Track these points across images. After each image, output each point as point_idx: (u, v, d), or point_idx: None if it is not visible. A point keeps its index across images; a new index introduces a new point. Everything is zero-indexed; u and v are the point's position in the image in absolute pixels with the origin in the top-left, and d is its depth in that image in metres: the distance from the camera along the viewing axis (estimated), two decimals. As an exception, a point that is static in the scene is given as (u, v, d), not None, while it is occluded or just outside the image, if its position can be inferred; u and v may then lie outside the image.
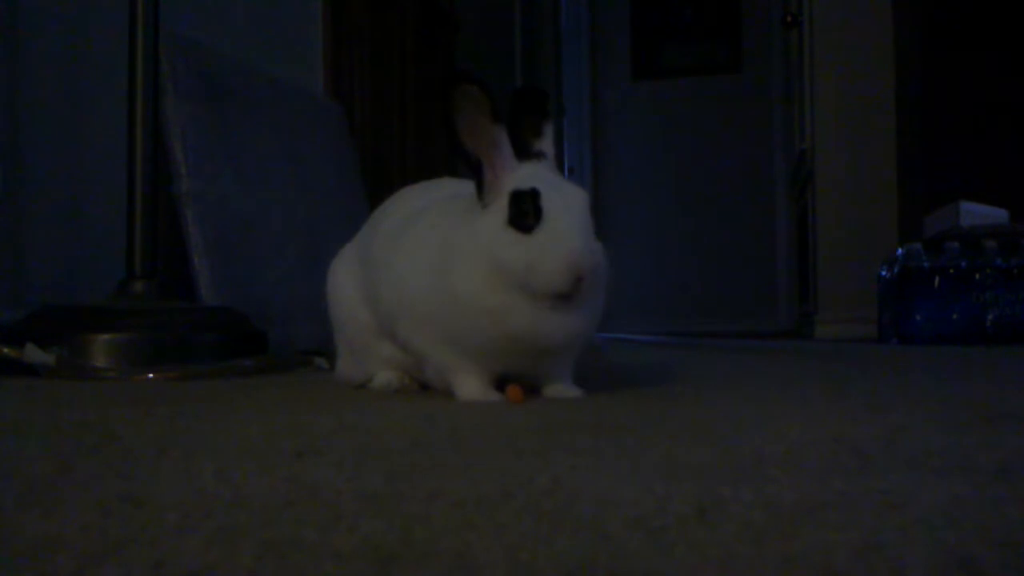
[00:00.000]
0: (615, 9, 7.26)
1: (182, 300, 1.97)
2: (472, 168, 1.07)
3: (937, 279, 3.14)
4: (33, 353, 1.55)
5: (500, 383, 1.11)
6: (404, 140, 3.69)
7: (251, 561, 0.39)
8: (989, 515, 0.46)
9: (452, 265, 1.05)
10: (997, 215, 3.28)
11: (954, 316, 3.11)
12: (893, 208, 4.12)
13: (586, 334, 1.10)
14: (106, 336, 1.63)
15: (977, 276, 3.09)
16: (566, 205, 1.02)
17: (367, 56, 3.41)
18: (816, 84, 4.30)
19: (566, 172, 6.20)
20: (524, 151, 1.09)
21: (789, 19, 4.71)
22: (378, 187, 3.08)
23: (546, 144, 1.11)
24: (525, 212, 1.00)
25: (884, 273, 3.38)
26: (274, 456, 0.65)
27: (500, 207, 1.03)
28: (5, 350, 1.55)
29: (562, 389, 1.14)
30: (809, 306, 4.58)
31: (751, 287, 6.88)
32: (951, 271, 3.12)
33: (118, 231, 1.83)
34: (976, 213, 3.21)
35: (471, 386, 1.10)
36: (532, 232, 1.00)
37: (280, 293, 2.36)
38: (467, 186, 1.12)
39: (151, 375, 1.54)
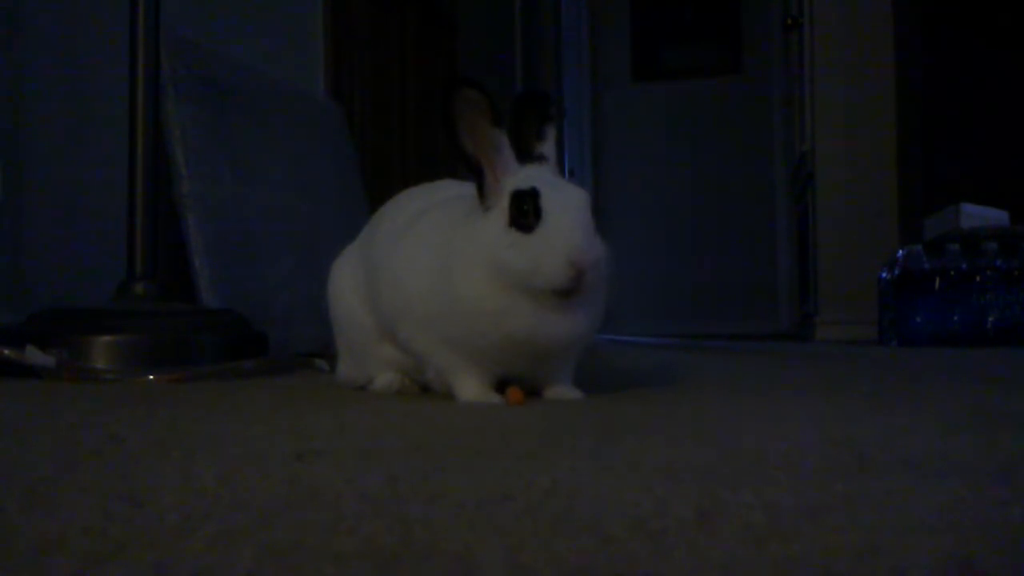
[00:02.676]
0: (615, 11, 7.26)
1: (182, 302, 1.97)
2: (473, 171, 1.07)
3: (937, 281, 3.14)
4: (34, 355, 1.55)
5: (500, 385, 1.11)
6: (404, 141, 3.69)
7: (251, 563, 0.39)
8: (990, 517, 0.46)
9: (453, 267, 1.05)
10: (998, 217, 3.28)
11: (954, 318, 3.11)
12: (893, 210, 4.12)
13: (587, 335, 1.10)
14: (107, 338, 1.63)
15: (977, 278, 3.10)
16: (566, 204, 1.02)
17: (367, 57, 3.41)
18: (816, 86, 4.30)
19: (566, 174, 6.20)
20: (526, 154, 1.09)
21: (789, 21, 4.71)
22: (378, 187, 3.08)
23: (548, 147, 1.12)
24: (525, 212, 1.01)
25: (884, 275, 3.38)
26: (275, 458, 0.65)
27: (501, 209, 1.03)
28: (6, 352, 1.55)
29: (562, 391, 1.14)
30: (809, 308, 4.58)
31: (751, 289, 6.88)
32: (951, 273, 3.13)
33: (118, 233, 1.83)
34: (976, 215, 3.21)
35: (471, 388, 1.10)
36: (532, 231, 1.00)
37: (280, 295, 2.36)
38: (468, 188, 1.12)
39: (151, 377, 1.54)
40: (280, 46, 2.98)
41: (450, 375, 1.12)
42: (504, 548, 0.41)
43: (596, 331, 1.12)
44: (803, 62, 4.54)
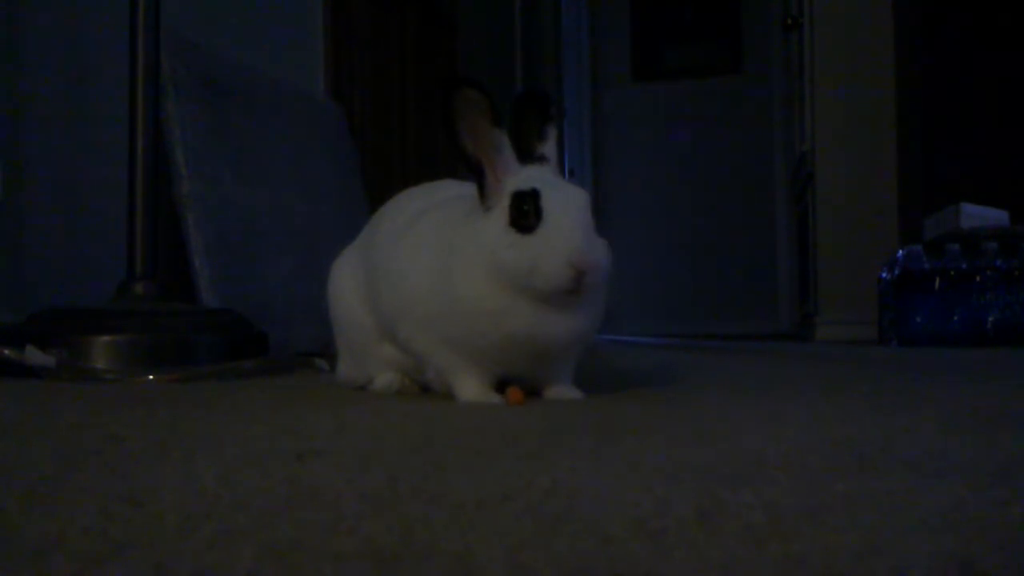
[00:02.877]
0: (615, 11, 7.26)
1: (182, 302, 1.97)
2: (473, 171, 1.07)
3: (937, 281, 3.14)
4: (34, 355, 1.55)
5: (500, 385, 1.11)
6: (404, 140, 3.69)
7: (251, 563, 0.39)
8: (990, 517, 0.46)
9: (453, 267, 1.05)
10: (997, 217, 3.28)
11: (954, 318, 3.11)
12: (893, 210, 4.12)
13: (587, 335, 1.10)
14: (106, 338, 1.63)
15: (977, 278, 3.10)
16: (566, 204, 1.02)
17: (367, 57, 3.41)
18: (816, 86, 4.30)
19: (567, 174, 6.20)
20: (526, 154, 1.09)
21: (789, 21, 4.71)
22: (378, 187, 3.08)
23: (548, 147, 1.12)
24: (526, 212, 1.01)
25: (884, 275, 3.38)
26: (275, 458, 0.65)
27: (502, 209, 1.03)
28: (6, 352, 1.55)
29: (562, 391, 1.14)
30: (809, 308, 4.58)
31: (751, 289, 6.88)
32: (951, 273, 3.13)
33: (118, 233, 1.84)
34: (976, 215, 3.21)
35: (471, 388, 1.10)
36: (533, 232, 1.00)
37: (280, 294, 2.36)
38: (469, 188, 1.12)
39: (151, 377, 1.54)
40: (280, 46, 2.98)
41: (450, 375, 1.12)
42: (504, 548, 0.41)
43: (596, 331, 1.12)
44: (803, 62, 4.54)
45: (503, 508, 0.48)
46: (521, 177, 1.05)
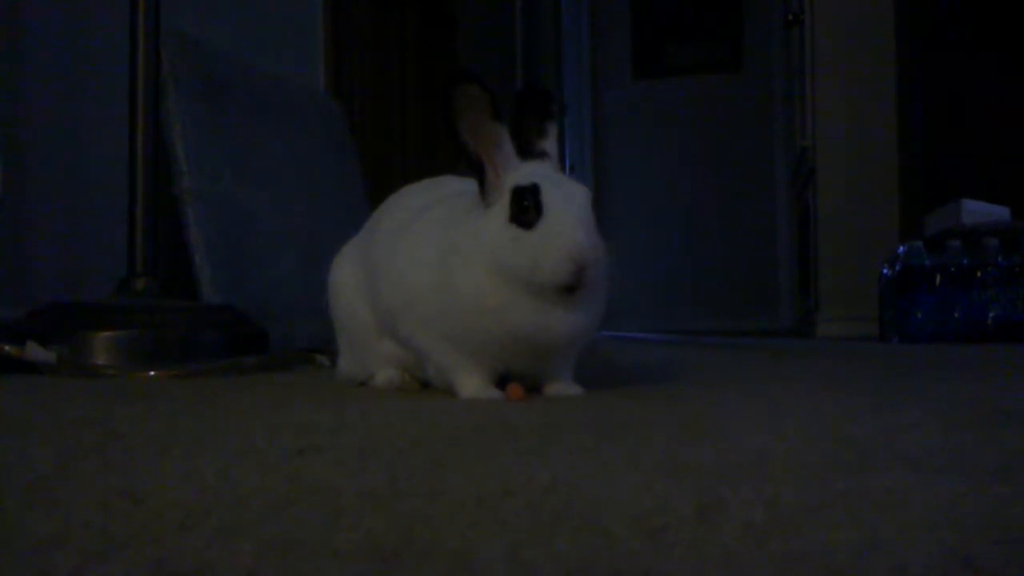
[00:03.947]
0: (616, 8, 7.26)
1: (183, 298, 1.98)
2: (474, 167, 1.07)
3: (938, 277, 3.14)
4: (35, 351, 1.55)
5: (501, 381, 1.11)
6: (404, 139, 3.69)
7: (252, 559, 0.39)
8: (990, 514, 0.46)
9: (454, 264, 1.05)
10: (999, 213, 3.28)
11: (955, 314, 3.11)
12: (894, 206, 4.12)
13: (588, 331, 1.10)
14: (107, 334, 1.63)
15: (978, 274, 3.09)
16: (567, 200, 1.02)
17: (367, 56, 3.41)
18: (817, 83, 4.30)
19: (567, 171, 6.19)
20: (527, 151, 1.09)
21: (790, 18, 4.71)
22: (378, 187, 3.08)
23: (549, 144, 1.12)
24: (526, 208, 1.01)
25: (885, 271, 3.38)
26: (275, 454, 0.65)
27: (502, 206, 1.03)
28: (7, 348, 1.55)
29: (563, 387, 1.14)
30: (810, 304, 4.58)
31: (752, 285, 6.88)
32: (952, 269, 3.12)
33: (119, 229, 1.84)
34: (978, 211, 3.21)
35: (472, 384, 1.10)
36: (533, 227, 1.00)
37: (281, 291, 2.36)
38: (469, 184, 1.12)
39: (152, 373, 1.54)
40: (281, 45, 2.98)
41: (451, 371, 1.12)
42: (504, 545, 0.41)
43: (597, 327, 1.12)
44: (804, 59, 4.54)
45: (503, 505, 0.48)
46: (521, 173, 1.05)
